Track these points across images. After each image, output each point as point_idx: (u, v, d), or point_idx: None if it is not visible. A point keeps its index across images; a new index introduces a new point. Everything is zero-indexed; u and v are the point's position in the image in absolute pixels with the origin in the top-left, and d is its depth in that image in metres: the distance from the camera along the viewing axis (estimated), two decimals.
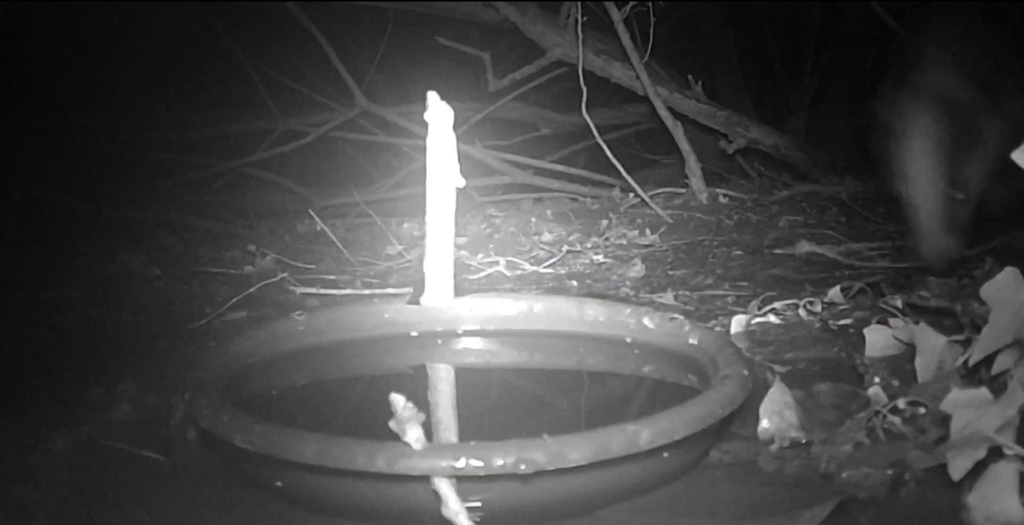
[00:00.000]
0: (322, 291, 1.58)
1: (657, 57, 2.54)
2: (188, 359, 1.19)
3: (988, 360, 0.82)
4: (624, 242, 1.94)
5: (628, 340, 1.08)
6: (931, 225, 1.33)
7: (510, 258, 1.76)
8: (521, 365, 1.15)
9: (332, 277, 1.72)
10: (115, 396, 1.07)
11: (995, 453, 0.70)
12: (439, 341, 1.13)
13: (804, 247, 1.65)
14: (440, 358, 1.13)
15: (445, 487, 0.68)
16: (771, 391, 0.88)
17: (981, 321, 0.83)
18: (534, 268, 1.73)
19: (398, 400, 0.68)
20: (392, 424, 0.68)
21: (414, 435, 0.68)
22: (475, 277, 1.66)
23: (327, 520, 0.77)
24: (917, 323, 0.97)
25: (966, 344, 0.88)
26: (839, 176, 2.69)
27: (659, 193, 2.39)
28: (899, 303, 1.18)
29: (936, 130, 1.32)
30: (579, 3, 2.38)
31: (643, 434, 0.71)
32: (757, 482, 0.81)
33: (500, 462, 0.68)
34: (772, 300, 1.32)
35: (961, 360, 0.87)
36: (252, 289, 1.55)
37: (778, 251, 1.75)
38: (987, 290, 0.81)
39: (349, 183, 2.91)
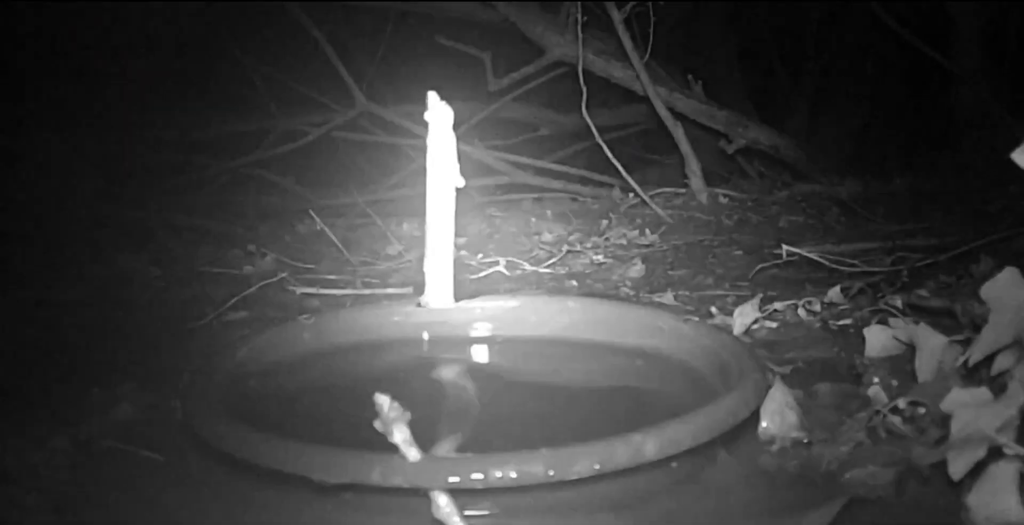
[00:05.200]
0: (322, 291, 1.58)
1: (657, 57, 2.54)
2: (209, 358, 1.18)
3: (988, 360, 0.82)
4: (624, 242, 1.94)
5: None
6: None
7: (510, 258, 1.76)
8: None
9: (332, 277, 1.72)
10: (115, 396, 1.07)
11: (995, 453, 0.70)
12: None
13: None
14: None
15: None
16: (771, 391, 0.88)
17: (981, 321, 0.83)
18: (534, 268, 1.73)
19: (383, 401, 0.68)
20: (377, 425, 0.68)
21: (401, 436, 0.68)
22: (475, 277, 1.66)
23: (326, 516, 0.77)
24: (917, 323, 0.97)
25: (966, 344, 0.88)
26: (839, 176, 2.69)
27: (659, 193, 2.39)
28: (899, 303, 1.18)
29: None
30: (579, 3, 2.38)
31: (648, 444, 0.71)
32: (759, 483, 0.81)
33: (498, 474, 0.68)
34: (772, 300, 1.32)
35: (961, 360, 0.87)
36: (252, 289, 1.55)
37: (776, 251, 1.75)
38: (987, 290, 0.80)
39: (349, 183, 2.90)
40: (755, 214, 2.22)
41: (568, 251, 1.84)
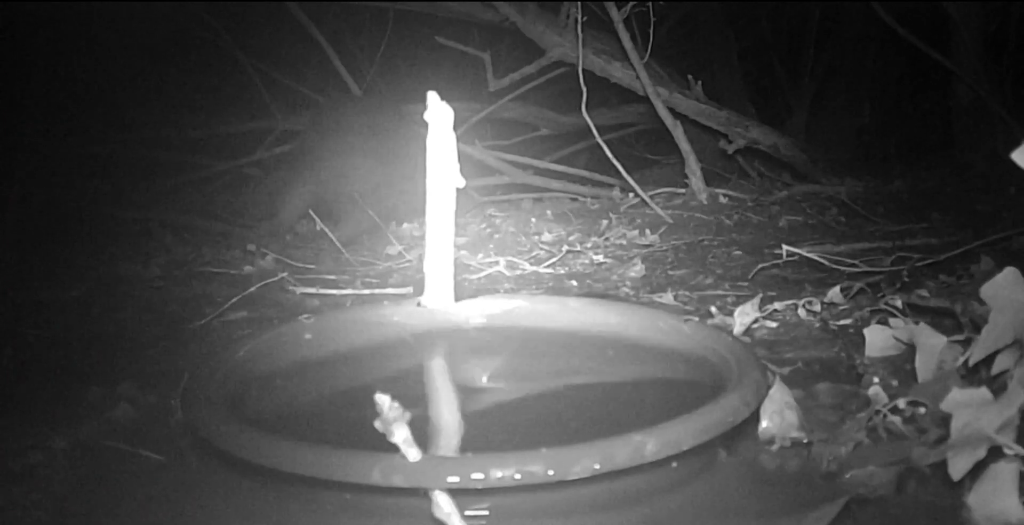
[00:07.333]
0: (322, 291, 1.58)
1: (657, 57, 2.54)
2: (197, 359, 1.18)
3: (988, 360, 0.82)
4: (624, 242, 1.94)
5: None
6: None
7: (510, 258, 1.76)
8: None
9: (332, 277, 1.72)
10: (115, 396, 1.07)
11: (995, 453, 0.70)
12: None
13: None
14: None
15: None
16: (771, 391, 0.88)
17: (981, 321, 0.83)
18: (534, 268, 1.73)
19: (384, 401, 0.67)
20: (378, 425, 0.68)
21: (401, 436, 0.67)
22: (475, 277, 1.66)
23: (328, 517, 0.77)
24: (917, 323, 0.97)
25: (966, 344, 0.88)
26: (839, 176, 2.69)
27: (659, 193, 2.40)
28: (899, 303, 1.18)
29: None
30: (579, 3, 2.38)
31: (649, 445, 0.71)
32: (759, 482, 0.81)
33: (499, 474, 0.68)
34: (772, 300, 1.32)
35: (961, 360, 0.87)
36: (252, 289, 1.55)
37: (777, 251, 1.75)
38: (987, 290, 0.80)
39: None
40: (755, 214, 2.22)
41: (568, 251, 1.84)
